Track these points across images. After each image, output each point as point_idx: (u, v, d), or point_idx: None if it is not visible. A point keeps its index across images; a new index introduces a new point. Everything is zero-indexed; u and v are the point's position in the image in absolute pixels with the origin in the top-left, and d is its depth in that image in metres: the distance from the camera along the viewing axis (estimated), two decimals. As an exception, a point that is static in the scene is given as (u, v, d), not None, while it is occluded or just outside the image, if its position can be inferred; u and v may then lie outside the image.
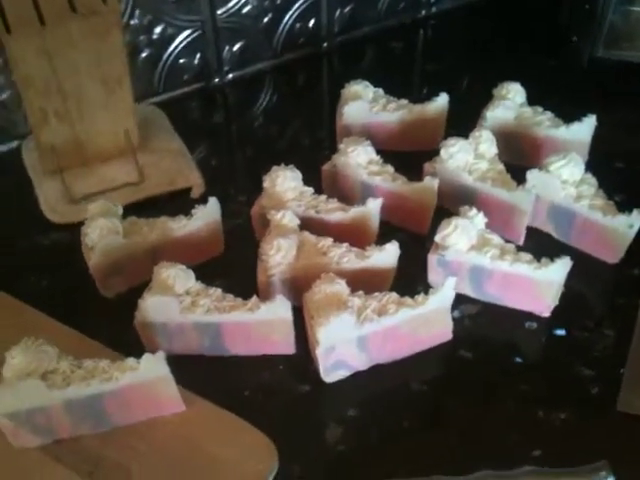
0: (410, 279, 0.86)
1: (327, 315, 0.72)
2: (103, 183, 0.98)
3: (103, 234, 0.81)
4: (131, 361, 0.68)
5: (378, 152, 0.95)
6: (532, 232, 0.92)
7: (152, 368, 0.68)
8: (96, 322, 0.83)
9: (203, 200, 0.88)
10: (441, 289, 0.76)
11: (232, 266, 0.89)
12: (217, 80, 1.22)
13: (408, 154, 1.02)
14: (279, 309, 0.75)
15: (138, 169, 1.00)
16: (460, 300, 0.83)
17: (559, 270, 0.78)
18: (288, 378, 0.78)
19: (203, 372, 0.78)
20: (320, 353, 0.73)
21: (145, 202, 0.98)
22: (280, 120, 1.18)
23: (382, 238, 0.89)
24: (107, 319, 0.84)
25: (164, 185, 1.00)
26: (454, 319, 0.80)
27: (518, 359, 0.79)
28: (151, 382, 0.69)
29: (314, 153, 1.07)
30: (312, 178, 0.96)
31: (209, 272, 0.87)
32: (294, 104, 1.22)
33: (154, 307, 0.74)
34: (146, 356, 0.67)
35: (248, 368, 0.79)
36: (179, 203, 0.98)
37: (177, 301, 0.75)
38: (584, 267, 0.85)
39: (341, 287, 0.75)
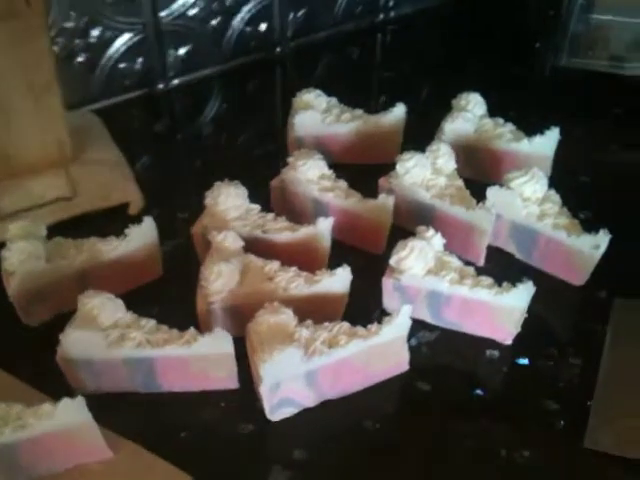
0: (365, 304, 0.80)
1: (271, 350, 0.65)
2: (31, 198, 0.90)
3: (23, 259, 0.73)
4: (47, 407, 0.60)
5: (331, 166, 0.90)
6: (493, 252, 0.87)
7: (71, 414, 0.60)
8: (17, 354, 0.75)
9: (140, 219, 0.81)
10: (396, 318, 0.70)
11: (171, 292, 0.82)
12: (161, 86, 1.15)
13: (363, 168, 0.97)
14: (219, 343, 0.68)
15: (70, 183, 0.92)
16: (417, 326, 0.77)
17: (521, 295, 0.73)
18: (230, 416, 0.71)
19: (135, 411, 0.71)
20: (264, 391, 0.67)
21: (77, 220, 0.90)
22: (229, 130, 1.11)
23: (335, 259, 0.83)
24: (29, 351, 0.75)
25: (98, 200, 0.92)
26: (411, 347, 0.74)
27: (479, 391, 0.73)
28: (71, 429, 0.61)
29: (265, 166, 1.00)
30: (262, 194, 0.90)
31: (145, 299, 0.80)
32: (244, 113, 1.15)
33: (76, 343, 0.67)
34: (64, 402, 0.60)
35: (185, 406, 0.72)
36: (115, 221, 0.90)
37: (103, 335, 0.68)
38: (548, 290, 0.79)
39: (287, 317, 0.68)
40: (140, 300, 0.79)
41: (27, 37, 0.79)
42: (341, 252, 0.85)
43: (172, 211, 0.94)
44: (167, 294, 0.82)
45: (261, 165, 1.02)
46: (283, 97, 1.21)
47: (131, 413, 0.70)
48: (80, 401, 0.60)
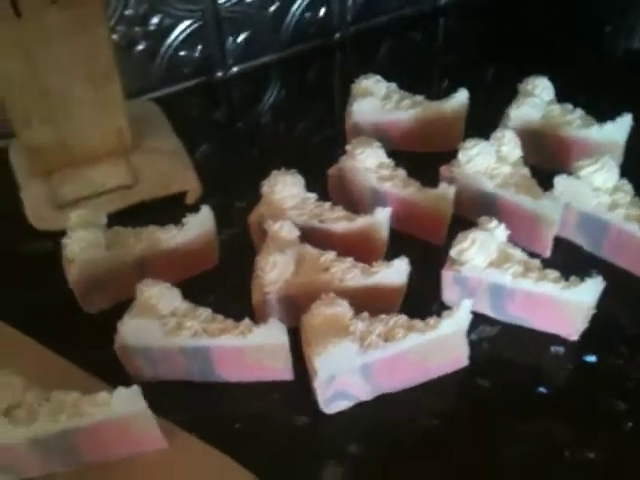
0: (423, 296, 0.78)
1: (326, 343, 0.64)
2: (92, 187, 0.91)
3: (84, 247, 0.74)
4: (103, 395, 0.61)
5: (390, 154, 0.87)
6: (560, 243, 0.83)
7: (127, 403, 0.61)
8: (77, 341, 0.75)
9: (198, 207, 0.81)
10: (456, 311, 0.67)
11: (227, 281, 0.82)
12: (220, 74, 1.14)
13: (423, 156, 0.94)
14: (273, 334, 0.67)
15: (130, 171, 0.92)
16: (478, 320, 0.74)
17: (590, 291, 0.69)
18: (284, 408, 0.70)
19: (190, 400, 0.71)
20: (318, 384, 0.66)
21: (135, 208, 0.90)
22: (288, 117, 1.10)
23: (392, 249, 0.81)
24: (89, 338, 0.76)
25: (158, 189, 0.92)
26: (471, 342, 0.72)
27: (542, 389, 0.70)
28: (126, 418, 0.62)
29: (323, 154, 0.98)
30: (319, 182, 0.88)
31: (201, 287, 0.80)
32: (303, 100, 1.14)
33: (134, 331, 0.67)
34: (119, 390, 0.60)
35: (240, 396, 0.71)
36: (173, 209, 0.90)
37: (160, 324, 0.68)
38: (618, 284, 0.75)
39: (342, 309, 0.67)
40: (196, 289, 0.79)
41: (86, 26, 0.79)
42: (399, 242, 0.83)
43: (230, 200, 0.93)
44: (223, 283, 0.81)
45: (319, 153, 1.00)
46: (342, 83, 1.18)
47: (187, 402, 0.71)
48: (136, 390, 0.60)
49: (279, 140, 1.06)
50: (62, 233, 0.78)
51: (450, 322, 0.67)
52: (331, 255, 0.74)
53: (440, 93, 0.97)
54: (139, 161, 0.94)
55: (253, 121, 1.10)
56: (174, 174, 0.94)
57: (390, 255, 0.80)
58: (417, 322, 0.68)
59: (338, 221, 0.79)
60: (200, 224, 0.79)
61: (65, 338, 0.76)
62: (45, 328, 0.76)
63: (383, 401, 0.70)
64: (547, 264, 0.74)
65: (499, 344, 0.75)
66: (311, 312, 0.67)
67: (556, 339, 0.74)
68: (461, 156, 0.83)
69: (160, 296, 0.69)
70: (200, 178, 0.95)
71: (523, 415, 0.69)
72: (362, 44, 1.23)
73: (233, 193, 0.95)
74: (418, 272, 0.75)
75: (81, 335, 0.77)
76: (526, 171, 0.83)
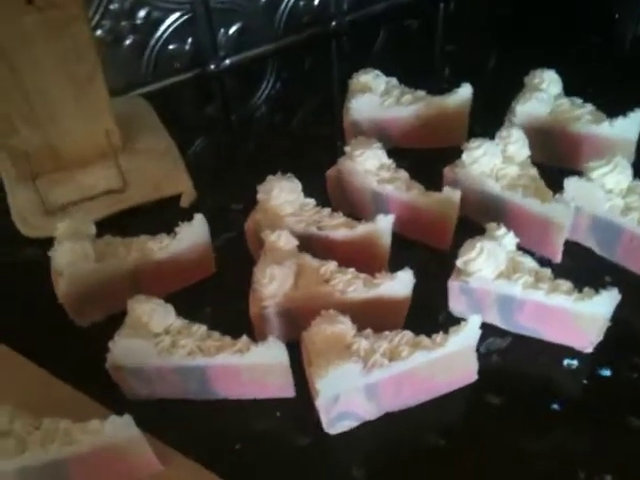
0: (429, 305, 0.75)
1: (328, 363, 0.61)
2: (81, 191, 0.88)
3: (72, 260, 0.71)
4: (95, 423, 0.57)
5: (391, 151, 0.83)
6: (570, 247, 0.79)
7: (119, 431, 0.57)
8: (68, 357, 0.73)
9: (193, 211, 0.77)
10: (464, 327, 0.64)
11: (224, 290, 0.78)
12: (212, 67, 1.10)
13: (425, 154, 0.91)
14: (273, 353, 0.64)
15: (120, 174, 0.88)
16: (487, 332, 0.71)
17: (605, 303, 0.66)
18: (285, 428, 0.67)
19: (188, 419, 0.68)
20: (321, 405, 0.62)
21: (127, 213, 0.87)
22: (283, 111, 1.06)
23: (395, 255, 0.77)
24: (81, 353, 0.73)
25: (150, 192, 0.88)
26: (480, 355, 0.69)
27: (555, 406, 0.67)
28: (119, 445, 0.58)
29: (321, 152, 0.95)
30: (318, 182, 0.85)
31: (197, 298, 0.78)
32: (299, 92, 1.10)
33: (126, 351, 0.64)
34: (112, 419, 0.57)
35: (240, 415, 0.68)
36: (166, 214, 0.87)
37: (153, 343, 0.64)
38: (633, 292, 0.72)
39: (345, 327, 0.64)
40: (192, 299, 0.77)
41: (66, 27, 0.75)
42: (403, 247, 0.80)
43: (225, 202, 0.89)
44: (220, 292, 0.78)
45: (317, 150, 0.97)
46: (340, 74, 1.14)
47: (184, 421, 0.68)
48: (128, 419, 0.57)
49: (275, 135, 1.02)
50: (51, 240, 0.75)
51: (458, 339, 0.64)
52: (332, 266, 0.71)
53: (442, 86, 0.92)
54: (129, 163, 0.90)
55: (248, 115, 1.06)
56: (166, 176, 0.90)
57: (393, 262, 0.77)
58: (423, 339, 0.65)
59: (338, 228, 0.75)
60: (194, 233, 0.75)
61: (56, 354, 0.72)
62: (34, 343, 0.73)
63: (388, 420, 0.66)
64: (557, 269, 0.71)
65: (509, 357, 0.71)
66: (311, 329, 0.64)
67: (569, 351, 0.71)
68: (465, 156, 0.79)
69: (152, 313, 0.65)
70: (194, 179, 0.91)
71: (535, 433, 0.65)
72: (359, 33, 1.19)
73: (229, 194, 0.91)
74: (423, 279, 0.72)
75: (73, 350, 0.74)
76: (534, 172, 0.79)
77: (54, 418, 0.58)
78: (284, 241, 0.71)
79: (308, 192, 0.79)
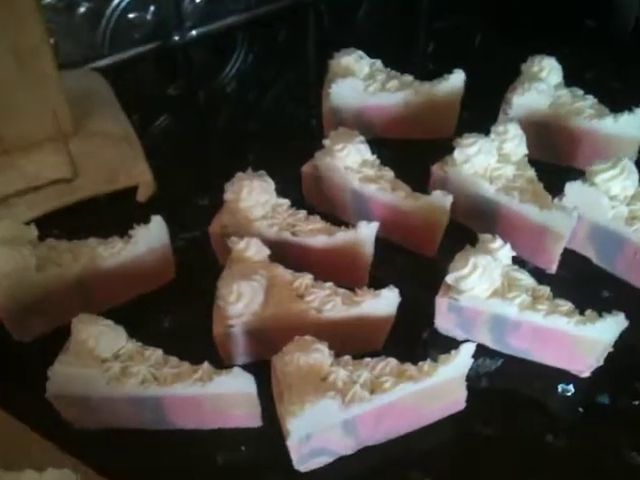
0: (412, 320, 0.67)
1: (301, 400, 0.53)
2: (24, 180, 0.78)
3: (9, 269, 0.61)
4: (30, 474, 0.49)
5: (372, 142, 0.75)
6: (566, 255, 0.72)
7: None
8: (7, 375, 0.64)
9: (150, 205, 0.68)
10: (455, 356, 0.57)
11: (184, 298, 0.70)
12: (177, 38, 1.01)
13: (410, 146, 0.83)
14: (238, 382, 0.56)
15: (70, 162, 0.79)
16: (476, 352, 0.63)
17: (609, 329, 0.60)
18: (251, 463, 0.60)
19: (141, 453, 0.60)
20: (292, 444, 0.55)
21: (75, 207, 0.77)
22: (254, 89, 0.98)
23: (378, 261, 0.70)
24: (21, 373, 0.65)
25: (102, 184, 0.79)
26: (468, 377, 0.62)
27: (549, 437, 0.61)
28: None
29: (297, 135, 0.87)
30: (293, 173, 0.76)
31: (153, 308, 0.70)
32: (272, 69, 1.01)
33: (68, 380, 0.56)
34: (50, 472, 0.49)
35: (201, 448, 0.61)
36: (119, 208, 0.78)
37: (100, 371, 0.56)
38: (634, 310, 0.65)
39: (321, 356, 0.56)
40: (147, 310, 0.69)
41: (6, -5, 0.64)
42: (385, 252, 0.72)
43: (188, 196, 0.81)
44: (179, 302, 0.70)
45: (292, 133, 0.89)
46: (318, 49, 1.05)
47: (137, 454, 0.60)
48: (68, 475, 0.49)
49: (245, 119, 0.93)
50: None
51: (448, 369, 0.57)
52: (306, 279, 0.63)
53: (427, 66, 0.84)
54: (80, 148, 0.80)
55: (215, 93, 0.98)
56: (122, 165, 0.80)
57: (373, 267, 0.69)
58: (409, 367, 0.57)
59: (315, 234, 0.67)
60: (151, 237, 0.67)
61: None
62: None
63: (367, 455, 0.60)
64: (551, 281, 0.65)
65: (500, 381, 0.65)
66: (283, 357, 0.57)
67: (565, 375, 0.65)
68: (457, 154, 0.72)
69: (99, 336, 0.57)
70: (153, 167, 0.82)
71: (528, 469, 0.59)
72: (339, 3, 1.09)
73: (192, 186, 0.82)
74: (407, 289, 0.64)
75: (12, 368, 0.65)
76: (532, 173, 0.72)
77: None
78: (254, 251, 0.63)
79: (281, 187, 0.71)
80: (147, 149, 0.84)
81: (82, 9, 0.89)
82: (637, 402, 0.63)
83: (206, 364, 0.58)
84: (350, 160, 0.72)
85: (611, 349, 0.62)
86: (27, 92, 0.75)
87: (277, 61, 1.03)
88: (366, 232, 0.65)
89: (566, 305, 0.61)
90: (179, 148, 0.89)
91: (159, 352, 0.59)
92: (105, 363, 0.57)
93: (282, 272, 0.63)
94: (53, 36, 0.76)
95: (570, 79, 0.82)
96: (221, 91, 0.98)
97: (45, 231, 0.69)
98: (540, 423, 0.62)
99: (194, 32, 1.00)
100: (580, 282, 0.71)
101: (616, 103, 0.79)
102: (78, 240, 0.67)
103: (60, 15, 0.87)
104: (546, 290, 0.63)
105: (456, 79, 0.80)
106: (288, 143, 0.86)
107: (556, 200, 0.69)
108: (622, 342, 0.63)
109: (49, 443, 0.58)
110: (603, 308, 0.61)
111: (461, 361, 0.57)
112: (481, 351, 0.66)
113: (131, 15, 0.93)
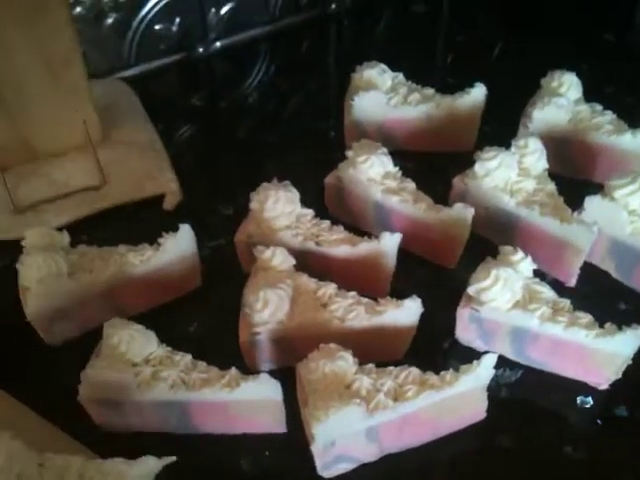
0: (433, 330, 0.69)
1: (326, 406, 0.54)
2: (54, 187, 0.80)
3: (42, 275, 0.63)
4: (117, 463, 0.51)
5: (393, 154, 0.76)
6: (585, 268, 0.73)
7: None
8: (37, 379, 0.66)
9: (177, 213, 0.70)
10: (477, 366, 0.58)
11: (211, 305, 0.72)
12: (201, 50, 1.02)
13: (431, 159, 0.84)
14: (265, 389, 0.58)
15: (99, 169, 0.81)
16: (497, 362, 0.65)
17: (628, 343, 0.60)
18: (275, 469, 0.61)
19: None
20: (316, 450, 0.56)
21: (103, 214, 0.79)
22: (277, 101, 0.99)
23: (399, 271, 0.71)
24: (51, 376, 0.66)
25: (130, 192, 0.81)
26: (488, 387, 0.63)
27: (568, 448, 0.62)
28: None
29: (319, 145, 0.88)
30: (314, 183, 0.78)
31: (180, 314, 0.71)
32: (294, 80, 1.02)
33: (100, 384, 0.57)
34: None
35: (224, 453, 0.62)
36: (147, 215, 0.80)
37: (132, 374, 0.58)
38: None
39: (345, 364, 0.57)
40: (175, 316, 0.71)
41: (41, 6, 0.66)
42: (405, 262, 0.73)
43: (213, 205, 0.82)
44: (206, 309, 0.72)
45: (312, 147, 0.90)
46: (339, 61, 1.07)
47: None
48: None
49: (268, 130, 0.94)
50: (19, 243, 0.67)
51: (470, 379, 0.58)
52: (330, 288, 0.64)
53: (446, 74, 0.85)
54: (108, 156, 0.82)
55: (238, 104, 0.99)
56: (149, 174, 0.82)
57: (395, 280, 0.71)
58: (431, 377, 0.59)
59: (338, 244, 0.68)
60: (179, 245, 0.68)
61: (22, 376, 0.65)
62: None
63: (389, 462, 0.61)
64: (569, 293, 0.66)
65: (520, 392, 0.66)
66: (308, 364, 0.58)
67: (583, 387, 0.66)
68: (478, 167, 0.73)
69: (131, 341, 0.58)
70: (178, 175, 0.84)
71: None
72: (360, 16, 1.11)
73: (217, 195, 0.84)
74: (428, 300, 0.65)
75: (41, 372, 0.67)
76: (552, 187, 0.73)
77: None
78: (279, 260, 0.64)
79: (303, 195, 0.72)
80: (171, 158, 0.86)
81: (110, 20, 0.91)
82: (655, 414, 0.64)
83: (233, 369, 0.59)
84: (373, 172, 0.73)
85: (630, 362, 0.63)
86: (58, 102, 0.77)
87: (299, 73, 1.04)
88: (389, 243, 0.67)
89: (586, 317, 0.62)
90: (201, 157, 0.91)
91: (188, 357, 0.60)
92: (136, 367, 0.59)
93: (306, 281, 0.65)
94: (81, 46, 0.77)
95: (589, 93, 0.83)
96: (243, 101, 0.99)
97: (74, 237, 0.70)
98: (559, 434, 0.63)
99: (218, 44, 1.02)
100: (599, 296, 0.71)
101: (635, 118, 0.80)
102: (107, 247, 0.69)
103: (88, 26, 0.89)
104: (566, 303, 0.64)
105: (477, 93, 0.82)
106: (308, 154, 0.88)
107: (575, 214, 0.70)
108: (636, 355, 0.64)
109: (78, 443, 0.60)
110: (622, 322, 0.62)
111: (483, 371, 0.58)
112: (501, 362, 0.66)
113: (157, 27, 0.95)
